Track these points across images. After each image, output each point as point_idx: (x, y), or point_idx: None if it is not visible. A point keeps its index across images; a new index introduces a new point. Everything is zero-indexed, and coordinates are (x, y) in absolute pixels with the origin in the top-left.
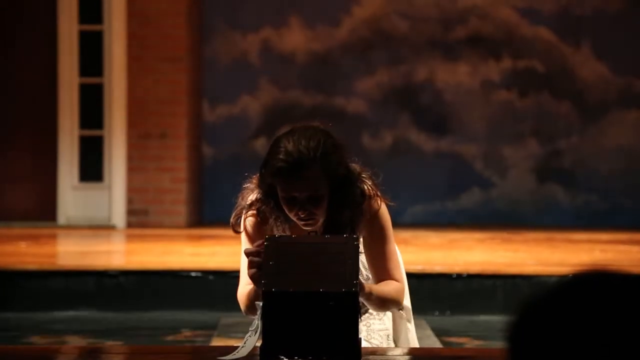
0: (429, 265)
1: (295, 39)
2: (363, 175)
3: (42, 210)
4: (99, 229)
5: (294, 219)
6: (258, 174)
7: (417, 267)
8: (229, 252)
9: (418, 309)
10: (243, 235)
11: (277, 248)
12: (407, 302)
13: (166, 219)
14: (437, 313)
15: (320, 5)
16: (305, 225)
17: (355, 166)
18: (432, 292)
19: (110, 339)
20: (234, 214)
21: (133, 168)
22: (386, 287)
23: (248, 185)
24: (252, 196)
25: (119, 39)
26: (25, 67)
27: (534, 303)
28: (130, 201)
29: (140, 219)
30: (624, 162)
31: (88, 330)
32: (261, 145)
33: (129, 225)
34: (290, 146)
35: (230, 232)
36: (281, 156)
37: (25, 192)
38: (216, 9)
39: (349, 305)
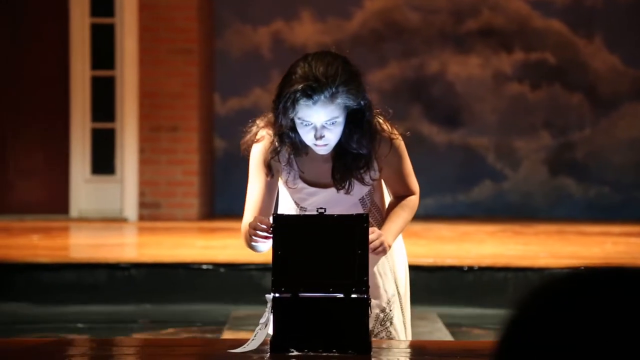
0: (441, 258)
1: (306, 31)
2: (377, 110)
3: (55, 203)
4: (111, 221)
5: (309, 142)
6: (272, 103)
7: (429, 260)
8: (240, 245)
9: (429, 301)
10: (252, 163)
11: (285, 234)
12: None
13: (178, 212)
14: (448, 306)
15: None
16: (319, 149)
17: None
18: (444, 284)
19: (122, 332)
20: (244, 141)
21: (145, 161)
22: (402, 216)
23: (257, 122)
24: (262, 127)
25: (130, 31)
26: (37, 60)
27: (531, 299)
28: (142, 194)
29: (152, 211)
30: (636, 154)
31: (100, 322)
32: None
33: (141, 218)
34: (307, 71)
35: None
36: (299, 82)
37: (38, 185)
38: (227, 2)
39: (359, 306)
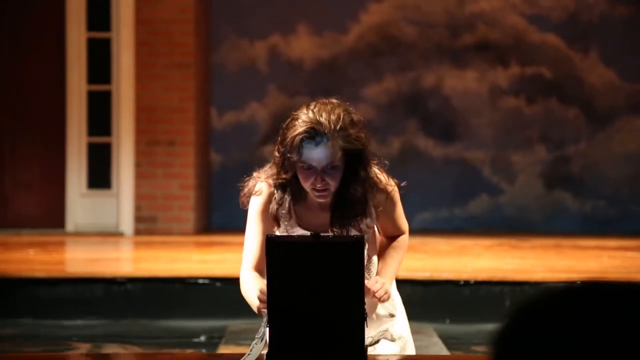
0: (437, 272)
1: (303, 45)
2: (373, 160)
3: (51, 217)
4: (107, 236)
5: (308, 189)
6: (275, 151)
7: (425, 274)
8: (237, 259)
9: (425, 315)
10: (251, 214)
11: (279, 256)
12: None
13: (174, 226)
14: (444, 320)
15: (328, 12)
16: (319, 196)
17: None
18: (440, 298)
19: (118, 347)
20: (243, 194)
21: (141, 175)
22: (396, 259)
23: (254, 174)
24: (261, 178)
25: (127, 46)
26: (33, 74)
27: (525, 312)
28: (138, 208)
29: (149, 225)
30: (632, 168)
31: (96, 337)
32: (269, 152)
33: (137, 232)
34: (311, 116)
35: (238, 238)
36: (302, 125)
37: (34, 199)
38: (224, 16)
39: (355, 320)
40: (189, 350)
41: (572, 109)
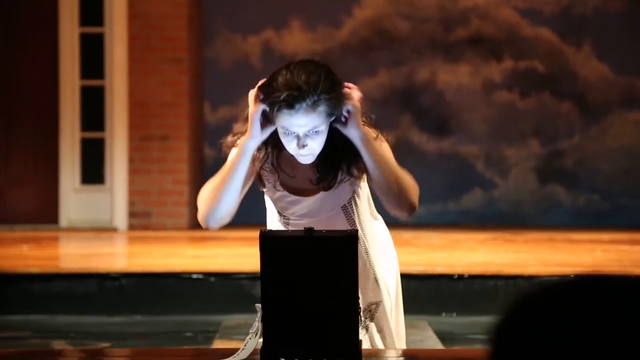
0: (431, 266)
1: (296, 40)
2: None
3: (44, 212)
4: (101, 231)
5: (291, 151)
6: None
7: (419, 268)
8: (231, 254)
9: (420, 310)
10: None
11: (272, 253)
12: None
13: (168, 221)
14: (438, 314)
15: (321, 6)
16: (302, 158)
17: None
18: (434, 293)
19: (112, 342)
20: (228, 137)
21: (135, 170)
22: (389, 157)
23: (236, 129)
24: (243, 131)
25: (120, 41)
26: (26, 70)
27: (519, 306)
28: (132, 203)
29: (142, 221)
30: (625, 162)
31: (90, 333)
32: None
33: (131, 227)
34: (290, 79)
35: (232, 233)
36: (281, 91)
37: (27, 194)
38: (217, 11)
39: (349, 316)
40: (184, 345)
41: (565, 103)
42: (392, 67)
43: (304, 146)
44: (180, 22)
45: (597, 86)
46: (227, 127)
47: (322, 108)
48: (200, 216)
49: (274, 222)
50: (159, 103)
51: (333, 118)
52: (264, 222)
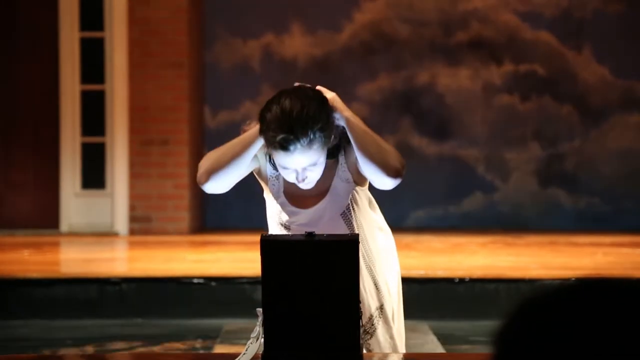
0: (432, 269)
1: (296, 44)
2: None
3: (45, 217)
4: (102, 236)
5: (291, 181)
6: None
7: (420, 272)
8: (232, 259)
9: (421, 313)
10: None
11: (273, 254)
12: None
13: (169, 226)
14: (439, 318)
15: (321, 10)
16: (302, 185)
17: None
18: (435, 296)
19: (113, 347)
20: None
21: (135, 175)
22: (372, 134)
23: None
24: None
25: (120, 45)
26: (27, 75)
27: (522, 310)
28: (132, 208)
29: (143, 225)
30: (626, 165)
31: (91, 338)
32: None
33: (132, 232)
34: (282, 120)
35: (233, 238)
36: (275, 132)
37: (28, 199)
38: (217, 15)
39: (350, 320)
40: (185, 350)
41: (565, 106)
42: (392, 71)
43: (303, 179)
44: (180, 27)
45: (597, 89)
46: (228, 131)
47: (317, 144)
48: (201, 171)
49: (274, 226)
50: (159, 107)
51: (329, 145)
52: (264, 226)
